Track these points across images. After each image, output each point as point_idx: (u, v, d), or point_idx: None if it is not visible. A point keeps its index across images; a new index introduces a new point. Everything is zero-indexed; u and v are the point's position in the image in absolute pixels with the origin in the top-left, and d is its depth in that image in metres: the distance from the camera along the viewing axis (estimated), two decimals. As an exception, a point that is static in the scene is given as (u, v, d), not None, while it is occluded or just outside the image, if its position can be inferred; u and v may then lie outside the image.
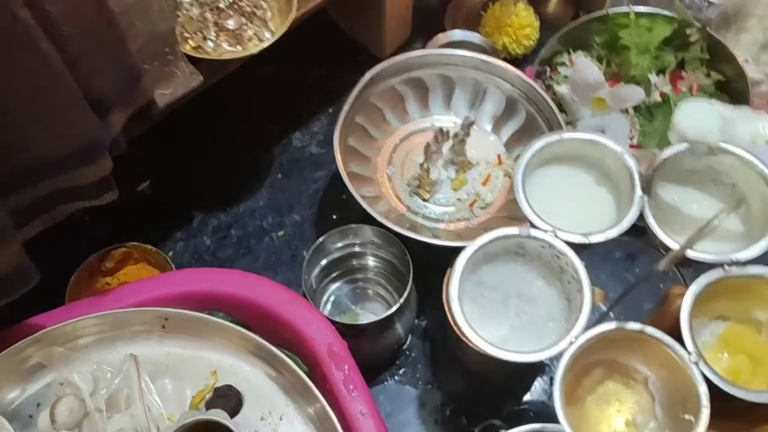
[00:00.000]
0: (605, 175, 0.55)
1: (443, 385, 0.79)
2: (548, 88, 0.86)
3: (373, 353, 0.74)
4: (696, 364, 0.45)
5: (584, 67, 0.77)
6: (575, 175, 0.56)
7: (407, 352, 0.80)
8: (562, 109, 0.83)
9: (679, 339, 0.47)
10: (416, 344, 0.81)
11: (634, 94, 0.78)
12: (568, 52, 0.89)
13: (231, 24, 0.64)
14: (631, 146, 0.83)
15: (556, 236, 0.50)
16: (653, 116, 0.84)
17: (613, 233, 0.50)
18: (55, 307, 0.64)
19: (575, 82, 0.80)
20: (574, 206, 0.55)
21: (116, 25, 0.46)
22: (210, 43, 0.64)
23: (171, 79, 0.59)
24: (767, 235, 0.49)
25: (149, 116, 0.58)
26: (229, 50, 0.65)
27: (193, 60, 0.62)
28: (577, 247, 0.51)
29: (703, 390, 0.44)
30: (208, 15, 0.64)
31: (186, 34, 0.63)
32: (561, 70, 0.87)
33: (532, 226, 0.51)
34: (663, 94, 0.83)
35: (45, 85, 0.42)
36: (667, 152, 0.52)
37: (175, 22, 0.58)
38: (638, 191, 0.51)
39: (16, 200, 0.48)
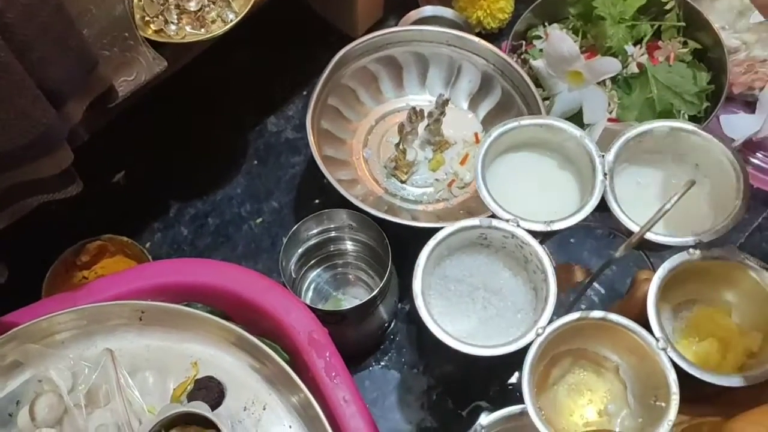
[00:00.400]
0: (567, 160, 0.54)
1: (429, 368, 0.78)
2: (524, 62, 0.85)
3: (357, 339, 0.73)
4: (664, 350, 0.45)
5: (558, 39, 0.76)
6: (537, 160, 0.55)
7: (391, 337, 0.80)
8: (538, 84, 0.82)
9: (648, 325, 0.46)
10: (400, 328, 0.80)
11: (611, 66, 0.77)
12: (544, 25, 0.87)
13: (192, 6, 0.62)
14: (610, 119, 0.82)
15: (518, 225, 0.49)
16: (631, 88, 0.83)
17: (575, 220, 0.49)
18: (31, 303, 0.63)
19: (550, 56, 0.79)
20: (537, 193, 0.54)
21: (64, 10, 0.44)
22: (172, 27, 0.62)
23: (133, 65, 0.58)
24: (728, 215, 0.48)
25: (109, 103, 0.56)
26: (192, 33, 0.63)
27: (155, 45, 0.60)
28: (544, 234, 0.51)
29: (672, 377, 0.44)
30: (169, -3, 0.62)
31: (147, 18, 0.61)
32: (536, 43, 0.86)
33: (494, 216, 0.50)
34: (640, 65, 0.82)
35: (-12, 75, 0.40)
36: (627, 135, 0.51)
37: (132, 4, 0.56)
38: (599, 175, 0.50)
39: (-26, 197, 0.47)
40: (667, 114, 0.80)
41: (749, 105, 0.88)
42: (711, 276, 0.49)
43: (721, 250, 0.48)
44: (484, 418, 0.62)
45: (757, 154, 0.88)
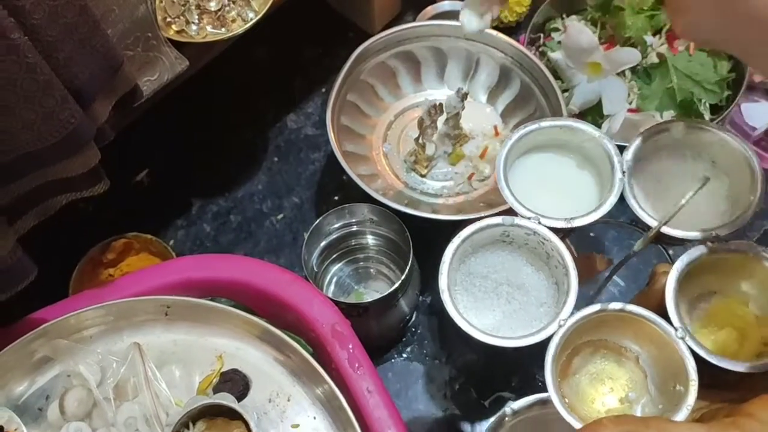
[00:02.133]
0: (587, 159, 0.55)
1: (451, 359, 0.79)
2: (542, 55, 0.85)
3: (379, 332, 0.74)
4: (683, 339, 0.46)
5: (576, 31, 0.76)
6: (557, 160, 0.56)
7: (413, 329, 0.80)
8: (557, 76, 0.82)
9: (667, 316, 0.47)
10: (422, 321, 0.81)
11: (630, 56, 0.76)
12: (562, 17, 0.87)
13: (213, 6, 0.63)
14: (630, 110, 0.82)
15: (539, 223, 0.50)
16: (651, 78, 0.82)
17: (594, 216, 0.51)
18: (59, 300, 0.64)
19: (568, 48, 0.78)
20: (557, 192, 0.56)
21: (89, 11, 0.46)
22: (193, 27, 0.63)
23: (156, 65, 0.59)
24: (746, 212, 0.49)
25: (134, 103, 0.57)
26: (213, 32, 0.64)
27: (177, 45, 0.61)
28: (565, 231, 0.52)
29: (691, 364, 0.45)
30: (190, -2, 0.63)
31: (169, 19, 0.62)
32: (555, 36, 0.86)
33: (517, 214, 0.51)
34: (660, 55, 0.81)
35: (17, 76, 0.41)
36: (645, 133, 0.52)
37: (154, 5, 0.57)
38: (618, 174, 0.51)
39: (4, 196, 0.48)
40: (688, 103, 0.80)
41: (771, 93, 0.87)
42: (728, 268, 0.50)
43: (737, 243, 0.48)
44: (511, 404, 0.63)
45: (780, 142, 0.87)
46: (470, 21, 0.54)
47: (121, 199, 0.86)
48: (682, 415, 0.44)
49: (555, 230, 0.51)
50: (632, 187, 0.51)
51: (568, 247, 0.76)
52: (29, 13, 0.42)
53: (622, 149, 0.53)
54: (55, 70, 0.44)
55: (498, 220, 0.51)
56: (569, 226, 0.50)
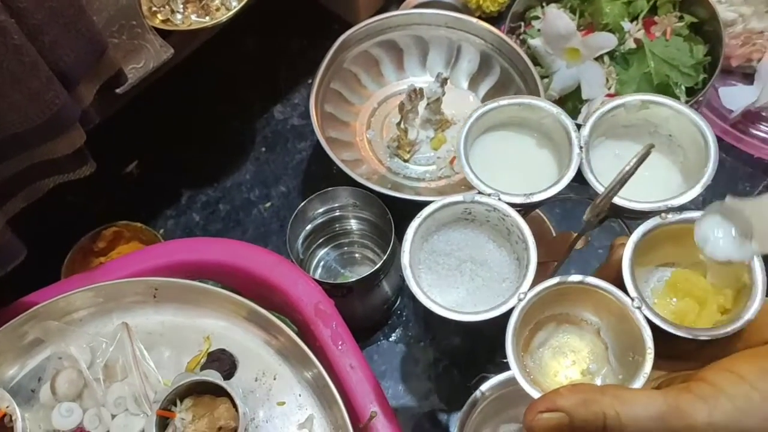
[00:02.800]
0: (546, 137, 0.56)
1: (435, 341, 0.80)
2: (522, 42, 0.87)
3: (364, 313, 0.75)
4: (639, 308, 0.46)
5: (554, 17, 0.78)
6: (517, 138, 0.57)
7: (398, 312, 0.82)
8: (537, 63, 0.84)
9: (624, 287, 0.48)
10: (407, 304, 0.82)
11: (606, 40, 0.78)
12: (541, 5, 0.89)
13: (197, -6, 0.65)
14: (608, 95, 0.83)
15: (499, 199, 0.51)
16: (629, 64, 0.84)
17: (553, 191, 0.51)
18: (50, 285, 0.65)
19: (547, 34, 0.80)
20: (518, 169, 0.56)
21: (75, -5, 0.47)
22: (178, 16, 0.64)
23: (141, 52, 0.60)
24: (699, 181, 0.50)
25: (118, 86, 0.58)
26: (197, 21, 0.66)
27: (162, 33, 0.63)
28: (525, 207, 0.53)
29: (647, 333, 0.46)
30: (174, -13, 0.65)
31: (154, 8, 0.63)
32: (535, 23, 0.87)
33: (478, 192, 0.52)
34: (637, 41, 0.83)
35: (3, 57, 0.43)
36: (601, 109, 0.53)
37: (138, -8, 0.59)
38: (576, 149, 0.52)
39: (-8, 178, 0.50)
40: (665, 87, 0.81)
41: (748, 77, 0.88)
42: (683, 238, 0.50)
43: (692, 212, 0.49)
44: (484, 385, 0.64)
45: (759, 125, 0.88)
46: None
47: (111, 191, 0.87)
48: (638, 383, 0.45)
49: (515, 206, 0.52)
50: (590, 162, 0.52)
51: (547, 226, 0.78)
52: (15, -3, 0.43)
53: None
54: (40, 52, 0.46)
55: (459, 197, 0.51)
56: (528, 201, 0.51)
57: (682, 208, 0.49)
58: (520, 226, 0.50)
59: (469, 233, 0.54)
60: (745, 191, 0.86)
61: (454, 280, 0.53)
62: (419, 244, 0.52)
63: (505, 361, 0.79)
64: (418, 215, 0.51)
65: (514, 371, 0.47)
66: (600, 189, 0.50)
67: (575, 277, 0.48)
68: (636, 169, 0.46)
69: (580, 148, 0.52)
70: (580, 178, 0.53)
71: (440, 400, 0.77)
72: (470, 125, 0.53)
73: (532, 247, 0.50)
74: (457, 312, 0.49)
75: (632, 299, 0.47)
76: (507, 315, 0.49)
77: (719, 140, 0.86)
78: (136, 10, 0.59)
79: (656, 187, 0.53)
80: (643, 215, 0.50)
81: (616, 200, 0.49)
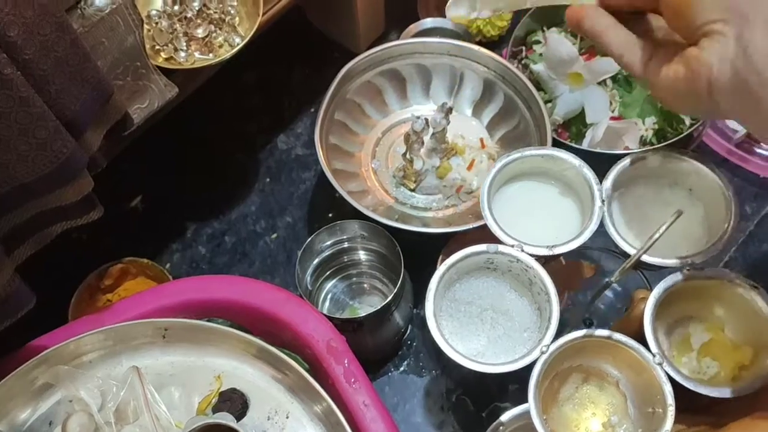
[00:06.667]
0: (568, 187, 0.57)
1: (447, 372, 0.80)
2: (525, 68, 0.87)
3: (375, 346, 0.75)
4: (660, 365, 0.47)
5: (557, 43, 0.78)
6: (539, 188, 0.58)
7: (408, 342, 0.81)
8: (540, 88, 0.84)
9: (645, 341, 0.48)
10: (417, 334, 0.82)
11: (609, 65, 0.78)
12: (542, 29, 0.89)
13: (200, 32, 0.65)
14: (612, 118, 0.83)
15: (522, 251, 0.52)
16: (631, 86, 0.84)
17: (575, 244, 0.53)
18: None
19: (550, 59, 0.81)
20: (540, 219, 0.57)
21: (80, 44, 0.47)
22: (182, 54, 0.64)
23: (146, 92, 0.60)
24: (720, 237, 0.51)
25: (125, 131, 0.58)
26: (201, 58, 0.65)
27: (166, 72, 0.63)
28: (546, 258, 0.53)
29: (668, 389, 0.46)
30: (177, 26, 0.65)
31: (157, 47, 0.63)
32: (536, 48, 0.87)
33: (500, 242, 0.53)
34: (639, 63, 0.83)
35: (11, 110, 0.43)
36: (622, 164, 0.54)
37: (142, 35, 0.59)
38: (598, 202, 0.53)
39: (1, 227, 0.49)
40: (668, 110, 0.81)
41: (751, 96, 0.89)
42: (704, 294, 0.51)
43: (712, 270, 0.50)
44: (505, 415, 0.64)
45: (763, 144, 0.88)
46: (457, 5, 0.54)
47: (116, 226, 0.87)
48: None
49: (537, 258, 0.52)
50: (611, 215, 0.53)
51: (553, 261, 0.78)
52: (21, 49, 0.43)
53: (608, 158, 0.55)
54: (47, 102, 0.46)
55: (482, 248, 0.52)
56: (551, 253, 0.52)
57: (703, 265, 0.50)
58: (542, 277, 0.51)
59: (491, 282, 0.55)
60: (752, 211, 0.86)
61: (475, 327, 0.54)
62: (442, 293, 0.53)
63: (516, 387, 0.78)
64: (443, 264, 0.52)
65: (536, 425, 0.47)
66: (623, 245, 0.51)
67: (603, 332, 0.49)
68: (664, 232, 0.47)
69: (602, 201, 0.52)
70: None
71: (454, 431, 0.76)
72: (494, 175, 0.54)
73: (554, 299, 0.50)
74: (480, 363, 0.49)
75: (654, 355, 0.47)
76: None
77: (724, 161, 0.87)
78: (140, 51, 0.59)
79: (677, 239, 0.54)
80: (662, 269, 0.51)
81: (643, 257, 0.50)
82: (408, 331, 0.81)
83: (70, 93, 0.47)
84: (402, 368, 0.80)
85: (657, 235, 0.48)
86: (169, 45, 0.65)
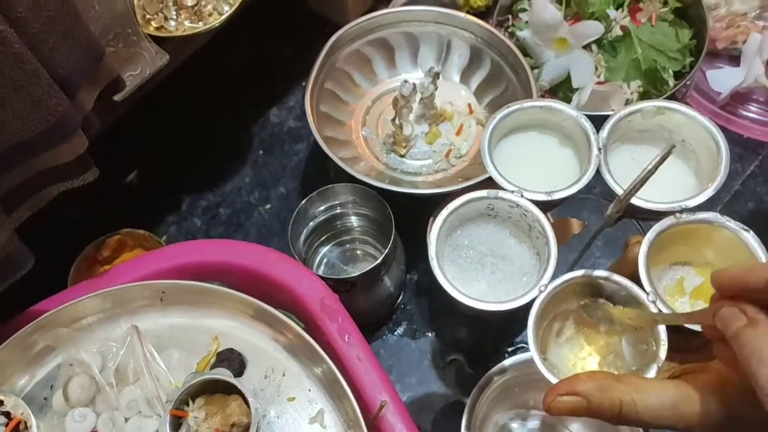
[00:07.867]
0: (567, 138, 0.58)
1: (440, 334, 0.81)
2: (511, 35, 0.88)
3: (368, 307, 0.76)
4: (654, 303, 0.48)
5: (541, 8, 0.79)
6: (539, 139, 0.59)
7: (402, 306, 0.83)
8: (526, 54, 0.85)
9: (640, 282, 0.50)
10: (410, 298, 0.83)
11: (593, 28, 0.79)
12: (528, -2, 0.90)
13: (189, 1, 0.66)
14: (598, 82, 0.85)
15: (522, 196, 0.53)
16: (616, 51, 0.85)
17: (573, 189, 0.53)
18: (57, 294, 0.66)
19: (535, 25, 0.82)
20: (540, 168, 0.58)
21: (71, 4, 0.48)
22: (172, 22, 0.65)
23: (137, 59, 0.61)
24: (712, 183, 0.52)
25: (117, 92, 0.59)
26: (191, 27, 0.67)
27: (157, 40, 0.64)
28: (546, 204, 0.54)
29: (662, 327, 0.47)
30: (167, -6, 0.66)
31: (148, 16, 0.65)
32: (522, 16, 0.89)
33: (500, 188, 0.54)
34: (623, 28, 0.84)
35: (5, 66, 0.44)
36: (618, 115, 0.55)
37: (133, 4, 0.60)
38: (595, 150, 0.54)
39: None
40: (653, 72, 0.83)
41: (734, 59, 0.90)
42: (697, 239, 0.52)
43: (704, 213, 0.51)
44: (503, 363, 0.65)
45: (748, 105, 0.90)
46: None
47: (112, 201, 0.88)
48: (652, 373, 0.46)
49: (536, 203, 0.53)
50: (608, 164, 0.54)
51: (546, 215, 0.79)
52: (13, 7, 0.44)
53: (596, 119, 0.56)
54: (40, 60, 0.47)
55: (483, 193, 0.53)
56: (550, 198, 0.53)
57: (695, 209, 0.51)
58: (541, 222, 0.52)
59: (491, 228, 0.56)
60: (737, 171, 0.88)
61: (476, 273, 0.55)
62: (443, 238, 0.54)
63: (510, 350, 0.80)
64: (444, 209, 0.53)
65: (535, 359, 0.48)
66: (617, 189, 0.52)
67: (601, 273, 0.50)
68: (658, 167, 0.48)
69: (599, 149, 0.53)
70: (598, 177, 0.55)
71: (448, 390, 0.78)
72: (493, 126, 0.55)
73: (552, 243, 0.52)
74: (482, 301, 0.50)
75: (647, 293, 0.48)
76: (527, 307, 0.50)
77: (709, 122, 0.88)
78: (131, 18, 0.60)
79: (671, 189, 0.55)
80: (657, 215, 0.52)
81: (634, 200, 0.51)
82: (402, 296, 0.82)
83: (62, 52, 0.48)
84: (397, 332, 0.82)
85: (650, 167, 0.49)
86: (160, 14, 0.66)
